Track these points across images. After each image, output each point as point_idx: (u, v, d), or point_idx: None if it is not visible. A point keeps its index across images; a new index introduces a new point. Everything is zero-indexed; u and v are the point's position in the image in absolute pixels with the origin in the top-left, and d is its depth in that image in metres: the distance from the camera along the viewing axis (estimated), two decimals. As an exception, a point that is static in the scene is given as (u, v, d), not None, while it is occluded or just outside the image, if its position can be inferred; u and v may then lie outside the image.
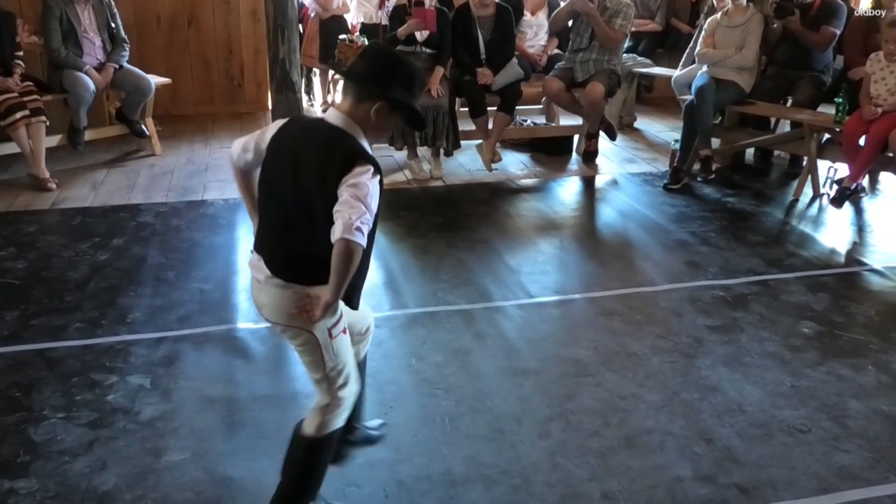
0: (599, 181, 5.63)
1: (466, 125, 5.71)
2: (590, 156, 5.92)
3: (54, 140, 5.40)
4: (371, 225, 1.80)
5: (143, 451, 2.49)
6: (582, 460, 2.50)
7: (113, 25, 5.66)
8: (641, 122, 7.23)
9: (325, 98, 7.70)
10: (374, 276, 3.73)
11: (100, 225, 4.49)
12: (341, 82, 7.47)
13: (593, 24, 5.41)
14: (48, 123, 5.16)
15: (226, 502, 2.29)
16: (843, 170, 5.08)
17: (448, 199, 5.15)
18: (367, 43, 6.26)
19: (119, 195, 5.03)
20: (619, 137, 6.28)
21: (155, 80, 5.85)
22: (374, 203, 1.81)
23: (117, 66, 5.59)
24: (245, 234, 4.38)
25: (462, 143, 5.67)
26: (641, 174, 5.72)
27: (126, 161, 5.82)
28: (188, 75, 7.12)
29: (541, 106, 6.70)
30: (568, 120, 6.36)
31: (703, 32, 5.66)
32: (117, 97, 5.90)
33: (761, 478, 2.43)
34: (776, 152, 6.16)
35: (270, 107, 4.86)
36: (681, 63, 6.44)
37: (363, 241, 1.76)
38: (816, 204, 5.13)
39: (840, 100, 4.93)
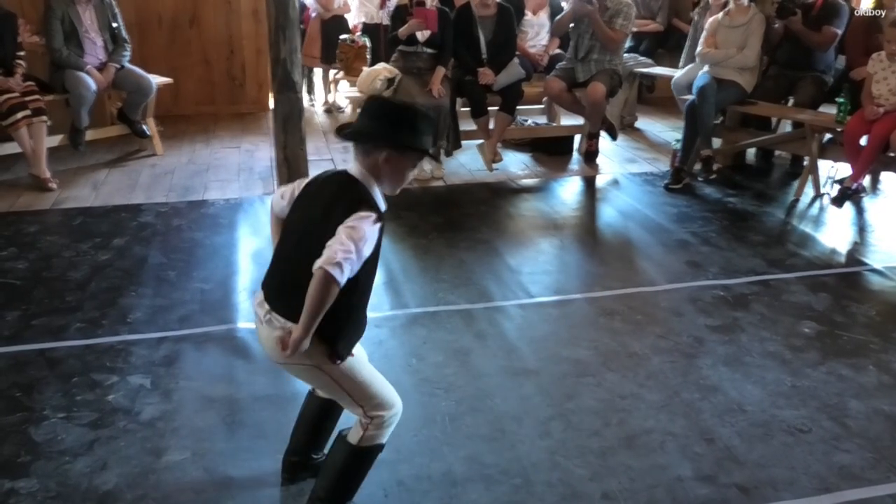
0: (600, 181, 5.63)
1: (467, 125, 5.71)
2: (591, 156, 5.94)
3: (56, 140, 5.40)
4: (355, 268, 1.83)
5: (144, 451, 2.50)
6: (582, 460, 2.50)
7: (114, 25, 5.66)
8: (642, 122, 7.23)
9: (325, 98, 7.71)
10: (375, 275, 3.71)
11: (101, 225, 4.49)
12: (342, 82, 7.52)
13: (594, 25, 5.41)
14: (49, 123, 5.17)
15: (226, 502, 2.29)
16: (844, 169, 5.08)
17: (449, 199, 5.15)
18: (368, 43, 6.27)
19: (120, 195, 5.03)
20: (621, 137, 6.29)
21: (156, 80, 5.85)
22: (367, 248, 1.85)
23: (119, 66, 5.59)
24: (246, 234, 4.39)
25: (463, 143, 5.68)
26: (642, 174, 5.72)
27: (127, 161, 5.83)
28: (189, 75, 7.12)
29: (542, 106, 6.70)
30: (569, 120, 6.36)
31: (704, 32, 5.66)
32: (119, 97, 5.90)
33: (762, 477, 2.43)
34: (777, 152, 6.16)
35: (272, 107, 4.86)
36: (681, 62, 6.45)
37: (341, 278, 1.79)
38: (817, 204, 5.13)
39: (841, 100, 4.93)
